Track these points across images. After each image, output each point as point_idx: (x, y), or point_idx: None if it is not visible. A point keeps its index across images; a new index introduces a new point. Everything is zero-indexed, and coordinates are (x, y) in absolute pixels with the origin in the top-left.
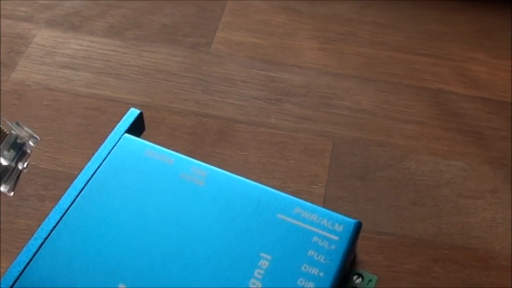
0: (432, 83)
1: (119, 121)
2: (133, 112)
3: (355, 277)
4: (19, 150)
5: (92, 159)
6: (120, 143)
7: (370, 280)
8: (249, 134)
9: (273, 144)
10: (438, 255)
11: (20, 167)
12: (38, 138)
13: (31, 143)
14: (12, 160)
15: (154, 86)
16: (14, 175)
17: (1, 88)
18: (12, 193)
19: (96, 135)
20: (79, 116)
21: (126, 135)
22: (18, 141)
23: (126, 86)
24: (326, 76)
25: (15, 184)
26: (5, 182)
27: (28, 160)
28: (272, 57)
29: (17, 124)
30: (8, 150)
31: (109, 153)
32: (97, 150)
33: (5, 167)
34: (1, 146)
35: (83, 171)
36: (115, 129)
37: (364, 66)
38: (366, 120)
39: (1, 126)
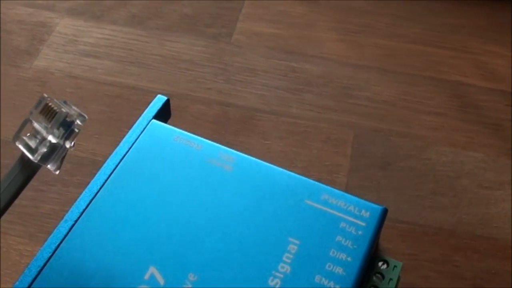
0: (450, 75)
1: (142, 109)
2: (160, 99)
3: (380, 263)
4: (67, 128)
5: (120, 144)
6: (148, 128)
7: (395, 267)
8: (271, 124)
9: (295, 133)
10: (459, 244)
11: (67, 145)
12: (86, 117)
13: (78, 121)
14: (61, 138)
15: (176, 75)
16: (62, 154)
17: (25, 75)
18: (57, 172)
19: (119, 123)
20: (102, 103)
21: (154, 121)
22: (67, 119)
23: (148, 74)
24: (346, 67)
25: (61, 162)
26: (52, 160)
27: (75, 139)
28: (292, 47)
29: (65, 102)
30: (58, 128)
31: (137, 138)
32: (120, 137)
33: (54, 145)
34: (52, 123)
35: (111, 155)
36: (143, 115)
37: (383, 57)
38: (386, 111)
39: (51, 104)
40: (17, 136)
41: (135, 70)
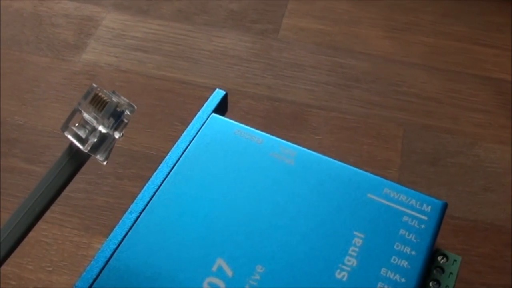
0: (495, 73)
1: (193, 103)
2: (219, 93)
3: (440, 257)
4: (117, 118)
5: (181, 137)
6: (208, 122)
7: (455, 261)
8: (321, 119)
9: (345, 128)
10: (511, 240)
11: (116, 136)
12: (135, 107)
13: (128, 112)
14: (111, 128)
15: (225, 70)
16: (111, 144)
17: (74, 68)
18: (105, 163)
19: (171, 117)
20: (152, 97)
21: (214, 114)
22: (118, 109)
23: (198, 69)
24: (393, 63)
25: (109, 153)
26: (101, 151)
27: (124, 129)
28: (338, 43)
29: (113, 92)
30: (108, 118)
31: (197, 132)
32: (173, 131)
33: (104, 135)
34: (102, 113)
35: (173, 149)
36: (202, 108)
37: (429, 55)
38: (434, 107)
39: (100, 93)
40: (65, 126)
41: (184, 65)
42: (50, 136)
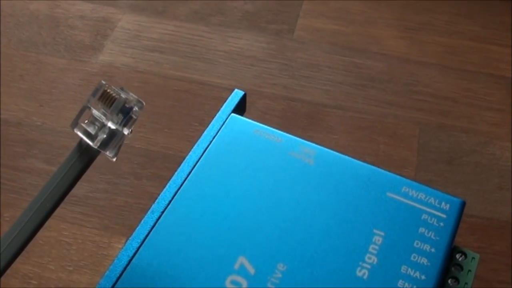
0: (509, 72)
1: (211, 104)
2: (238, 93)
3: (458, 255)
4: (126, 114)
5: (201, 137)
6: (228, 122)
7: (473, 258)
8: (338, 118)
9: (362, 128)
10: None
11: (125, 132)
12: (144, 104)
13: (136, 108)
14: (120, 125)
15: (242, 71)
16: (120, 140)
17: (91, 69)
18: (114, 159)
19: (188, 117)
20: (170, 98)
21: (233, 114)
22: (126, 105)
23: (214, 70)
24: (408, 63)
25: (118, 149)
26: (111, 147)
27: (133, 126)
28: (354, 44)
29: (122, 89)
30: (117, 114)
31: (217, 132)
32: (191, 131)
33: (113, 131)
34: (111, 109)
35: (193, 149)
36: (222, 109)
37: (444, 54)
38: (450, 106)
39: (109, 90)
40: (75, 123)
41: (201, 66)
42: (68, 136)
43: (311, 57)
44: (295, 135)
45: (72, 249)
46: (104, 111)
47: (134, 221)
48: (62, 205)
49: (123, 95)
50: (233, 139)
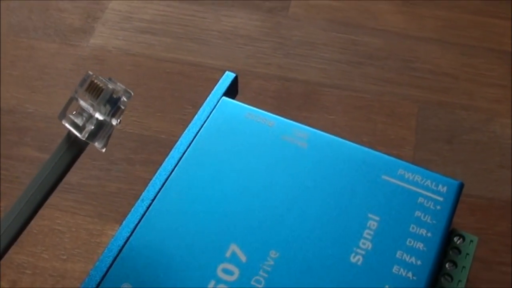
0: (511, 47)
1: (204, 86)
2: (229, 76)
3: (456, 238)
4: (114, 105)
5: (192, 122)
6: (219, 106)
7: (472, 241)
8: (334, 98)
9: (359, 107)
10: None
11: (114, 122)
12: (132, 94)
13: (124, 98)
14: (108, 115)
15: (235, 51)
16: (108, 131)
17: (82, 53)
18: (104, 150)
19: (181, 100)
20: (162, 80)
21: (224, 98)
22: (114, 95)
23: (207, 50)
24: (407, 39)
25: (107, 140)
26: (99, 138)
27: (121, 116)
28: (351, 19)
29: (109, 79)
30: (105, 105)
31: (208, 116)
32: (184, 114)
33: (101, 122)
34: (98, 100)
35: (184, 134)
36: (212, 92)
37: (444, 29)
38: (449, 83)
39: (96, 81)
40: (63, 115)
41: (194, 47)
42: (61, 124)
43: (307, 35)
44: (289, 117)
45: (65, 238)
46: (91, 102)
47: (127, 207)
48: (55, 193)
49: (110, 86)
50: (224, 123)
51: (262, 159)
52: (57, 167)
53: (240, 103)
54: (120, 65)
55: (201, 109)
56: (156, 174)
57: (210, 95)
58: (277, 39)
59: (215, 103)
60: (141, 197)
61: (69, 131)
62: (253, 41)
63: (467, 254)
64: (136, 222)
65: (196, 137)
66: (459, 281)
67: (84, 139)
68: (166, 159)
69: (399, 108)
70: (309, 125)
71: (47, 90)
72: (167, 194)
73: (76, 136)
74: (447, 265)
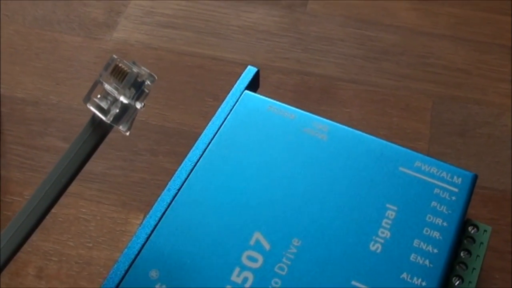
0: None
1: (225, 79)
2: (251, 70)
3: (470, 227)
4: (138, 88)
5: (216, 114)
6: (241, 99)
7: (485, 231)
8: (351, 92)
9: (375, 101)
10: None
11: (138, 106)
12: (156, 77)
13: (148, 82)
14: (132, 99)
15: (255, 46)
16: (132, 115)
17: (105, 47)
18: (128, 133)
19: (203, 93)
20: (184, 74)
21: (247, 91)
22: (138, 79)
23: (227, 45)
24: (421, 35)
25: (131, 123)
26: (124, 121)
27: (145, 100)
28: (367, 16)
29: (134, 63)
30: (129, 88)
31: (231, 109)
32: (206, 107)
33: (125, 105)
34: (123, 84)
35: (208, 126)
36: (235, 86)
37: (457, 26)
38: (462, 78)
39: (121, 64)
40: (88, 98)
41: (214, 41)
42: (85, 114)
43: (324, 31)
44: (308, 111)
45: (91, 226)
46: (116, 85)
47: (151, 197)
48: (79, 182)
49: (134, 69)
50: (247, 116)
51: (283, 150)
52: (83, 149)
53: (262, 97)
54: (142, 58)
55: (224, 102)
56: (182, 164)
57: (233, 88)
58: (296, 35)
59: (238, 97)
60: (167, 187)
61: (94, 114)
62: (272, 36)
63: (481, 243)
64: (162, 211)
65: (220, 129)
66: (474, 269)
67: (109, 122)
68: (191, 151)
69: (414, 102)
70: (327, 119)
71: (71, 82)
72: (193, 184)
73: (101, 119)
74: (462, 254)
